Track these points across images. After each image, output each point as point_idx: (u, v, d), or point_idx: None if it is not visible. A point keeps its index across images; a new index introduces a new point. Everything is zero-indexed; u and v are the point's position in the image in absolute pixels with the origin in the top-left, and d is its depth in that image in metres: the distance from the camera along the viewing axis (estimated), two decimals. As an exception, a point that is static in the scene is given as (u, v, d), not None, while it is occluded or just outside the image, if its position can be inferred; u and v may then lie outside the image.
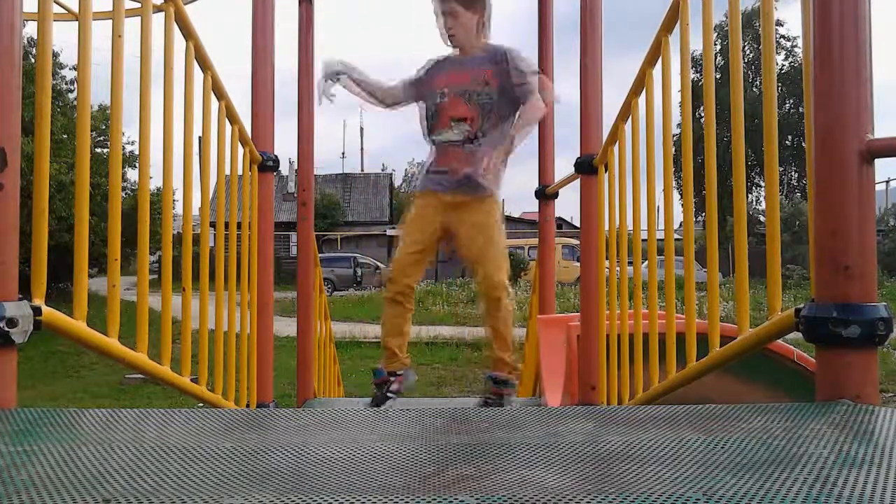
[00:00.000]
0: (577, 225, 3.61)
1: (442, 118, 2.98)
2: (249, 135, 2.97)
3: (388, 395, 3.02)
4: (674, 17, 2.00)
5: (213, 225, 3.16)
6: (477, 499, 0.77)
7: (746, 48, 27.97)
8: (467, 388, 9.55)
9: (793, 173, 34.21)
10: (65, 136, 16.83)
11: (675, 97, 2.18)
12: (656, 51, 2.15)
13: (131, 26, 2.14)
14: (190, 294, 2.24)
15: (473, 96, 2.95)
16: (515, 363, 3.05)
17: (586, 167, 2.97)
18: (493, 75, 2.95)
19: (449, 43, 3.03)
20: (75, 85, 9.09)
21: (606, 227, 2.77)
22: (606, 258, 2.81)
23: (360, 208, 37.20)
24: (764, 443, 0.99)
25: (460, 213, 2.95)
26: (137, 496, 0.80)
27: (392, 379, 3.06)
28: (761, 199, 32.53)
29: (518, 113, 2.95)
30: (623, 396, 2.45)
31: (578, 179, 3.10)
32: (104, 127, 17.53)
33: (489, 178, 2.84)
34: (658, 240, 3.34)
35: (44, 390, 9.75)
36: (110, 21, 1.70)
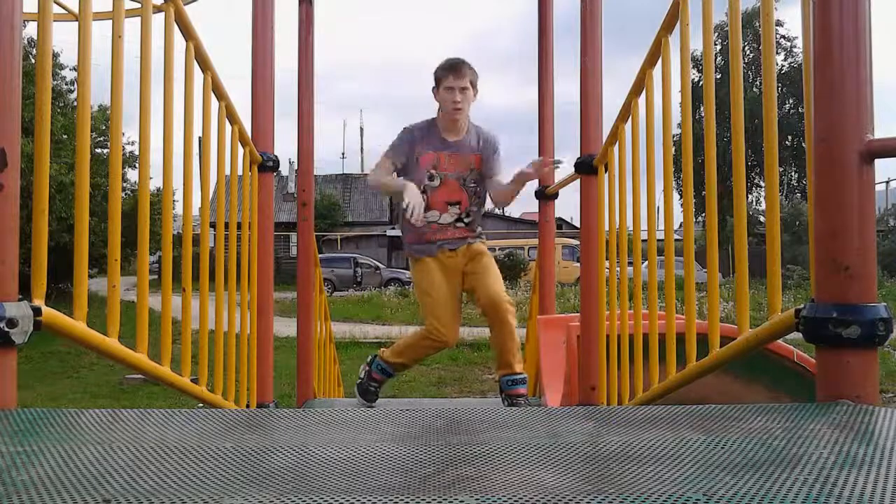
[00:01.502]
0: (577, 225, 3.63)
1: (436, 201, 3.20)
2: (249, 135, 2.97)
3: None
4: (674, 17, 2.00)
5: (213, 225, 3.17)
6: (477, 499, 0.77)
7: (746, 48, 27.97)
8: (467, 389, 9.54)
9: (793, 173, 34.18)
10: (65, 137, 16.83)
11: (675, 97, 2.18)
12: (656, 51, 2.15)
13: (131, 26, 2.14)
14: (190, 294, 2.24)
15: (467, 181, 3.22)
16: (521, 360, 3.28)
17: (586, 167, 2.97)
18: (479, 161, 3.23)
19: (453, 116, 3.18)
20: (75, 85, 9.09)
21: (606, 228, 2.77)
22: (606, 258, 2.80)
23: (360, 209, 37.20)
24: (764, 443, 0.99)
25: (467, 256, 3.27)
26: (137, 496, 0.80)
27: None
28: (761, 199, 32.53)
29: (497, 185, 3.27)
30: (623, 397, 2.45)
31: (578, 180, 3.10)
32: (104, 127, 17.53)
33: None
34: (658, 240, 3.34)
35: (44, 390, 9.75)
36: (110, 21, 1.70)
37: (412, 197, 3.06)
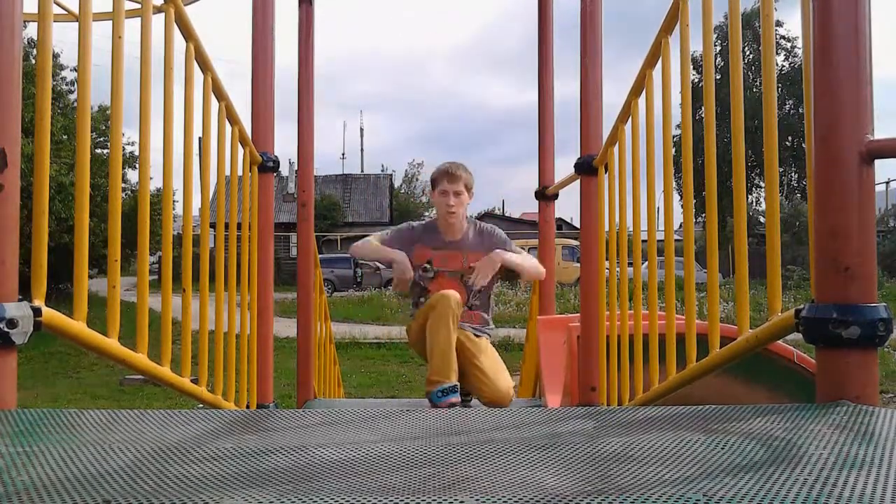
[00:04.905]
0: (578, 226, 3.63)
1: (434, 290, 3.18)
2: (249, 135, 2.97)
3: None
4: (674, 18, 2.00)
5: (213, 226, 3.17)
6: (477, 499, 0.77)
7: (746, 49, 27.97)
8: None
9: (793, 174, 34.14)
10: (65, 137, 16.82)
11: (675, 98, 2.18)
12: (656, 52, 2.15)
13: (131, 27, 2.14)
14: (190, 295, 2.24)
15: (464, 278, 3.24)
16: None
17: (586, 168, 2.97)
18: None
19: (448, 220, 3.26)
20: (75, 86, 9.08)
21: (606, 228, 2.77)
22: (606, 259, 2.80)
23: (360, 209, 37.18)
24: (764, 443, 0.99)
25: (469, 340, 3.20)
26: (137, 497, 0.80)
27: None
28: (761, 199, 32.52)
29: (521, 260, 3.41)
30: (623, 397, 2.45)
31: (578, 180, 3.10)
32: (104, 128, 17.54)
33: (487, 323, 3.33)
34: (658, 240, 3.35)
35: (44, 391, 9.74)
36: (110, 22, 1.70)
37: (400, 258, 3.15)
